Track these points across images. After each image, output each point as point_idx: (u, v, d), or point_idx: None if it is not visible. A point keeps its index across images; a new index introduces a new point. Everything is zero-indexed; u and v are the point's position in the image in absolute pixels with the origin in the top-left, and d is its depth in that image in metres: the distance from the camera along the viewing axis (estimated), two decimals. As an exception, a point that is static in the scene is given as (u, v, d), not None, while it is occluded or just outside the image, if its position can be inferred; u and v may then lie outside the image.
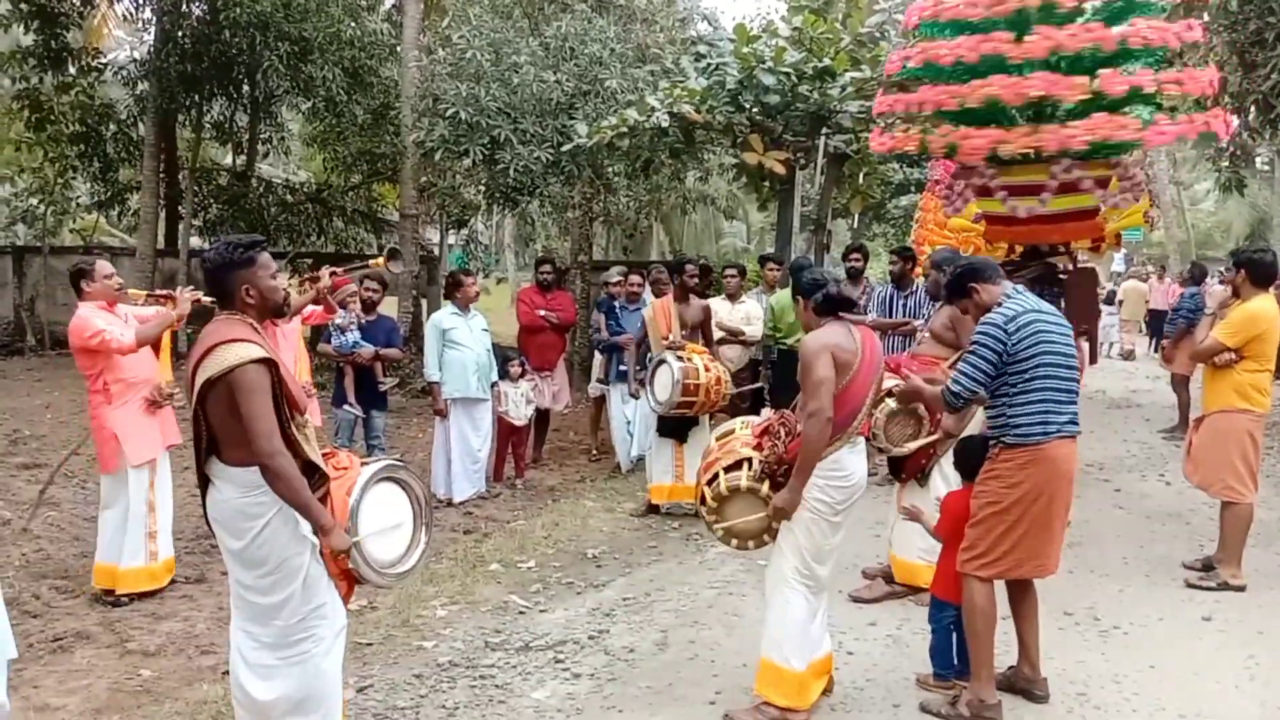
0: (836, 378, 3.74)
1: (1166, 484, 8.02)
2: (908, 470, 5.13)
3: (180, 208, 16.47)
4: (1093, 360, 8.06)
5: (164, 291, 5.55)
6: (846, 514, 3.91)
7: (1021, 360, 3.79)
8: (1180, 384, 10.16)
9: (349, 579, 3.37)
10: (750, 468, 3.92)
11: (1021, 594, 4.08)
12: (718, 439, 4.23)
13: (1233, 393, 5.54)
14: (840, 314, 3.96)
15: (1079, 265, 7.68)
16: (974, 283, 4.02)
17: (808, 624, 3.87)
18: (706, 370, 6.65)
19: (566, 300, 9.53)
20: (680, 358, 6.72)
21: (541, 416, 8.62)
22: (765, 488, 3.87)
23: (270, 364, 3.08)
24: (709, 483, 3.98)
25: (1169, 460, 8.51)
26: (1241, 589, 5.43)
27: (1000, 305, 3.89)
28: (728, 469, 3.95)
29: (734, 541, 4.02)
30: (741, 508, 3.92)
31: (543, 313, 8.82)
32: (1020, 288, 4.01)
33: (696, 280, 7.29)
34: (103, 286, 5.30)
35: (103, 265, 5.41)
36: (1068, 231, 6.98)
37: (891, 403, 4.82)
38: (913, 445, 4.92)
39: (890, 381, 4.93)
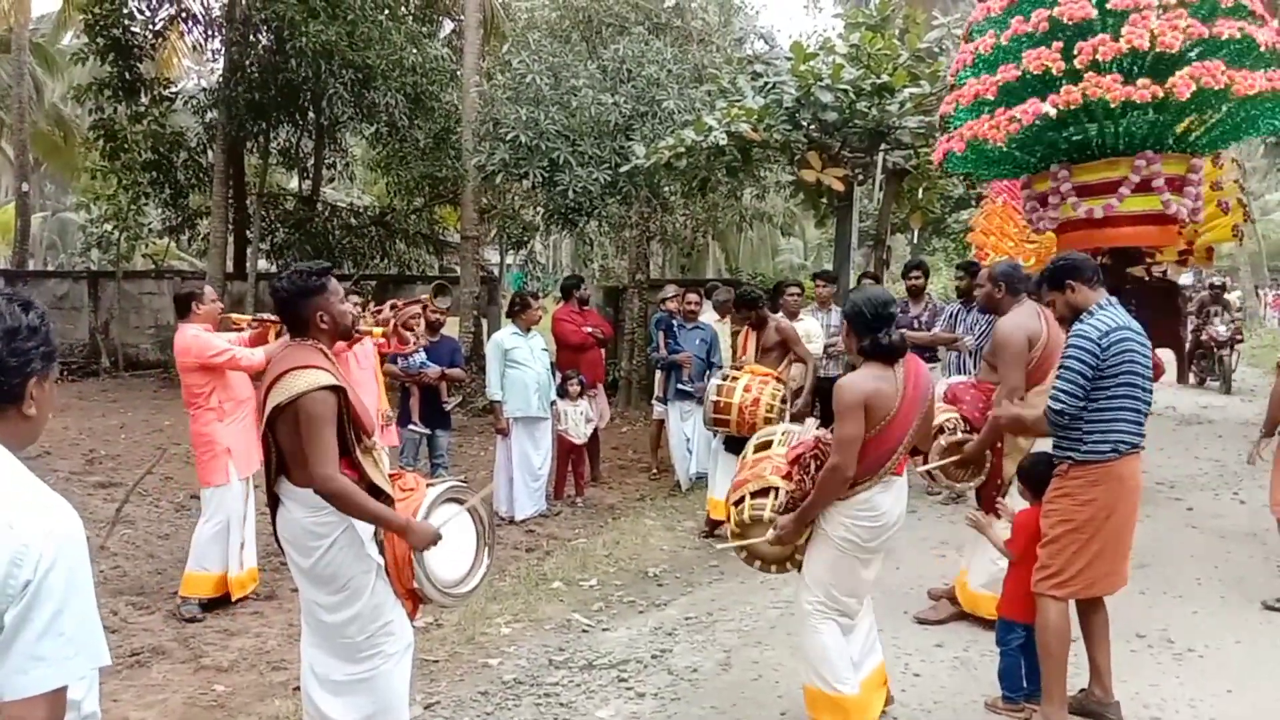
0: (870, 424, 3.60)
1: (1241, 502, 7.81)
2: (984, 505, 5.00)
3: (248, 232, 16.88)
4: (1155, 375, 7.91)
5: (268, 316, 5.72)
6: (881, 548, 3.81)
7: (1107, 378, 3.73)
8: None
9: (413, 598, 3.43)
10: (776, 498, 3.88)
11: (1092, 613, 4.00)
12: (755, 446, 4.20)
13: None
14: (888, 361, 3.74)
15: (1157, 280, 7.50)
16: (1072, 280, 3.91)
17: (844, 647, 3.80)
18: (746, 391, 6.61)
19: (598, 317, 9.65)
20: (724, 377, 6.80)
21: (593, 435, 8.66)
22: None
23: (338, 390, 3.15)
24: (735, 503, 3.97)
25: (1243, 478, 8.29)
26: None
27: (1091, 315, 3.81)
28: (754, 494, 3.93)
29: (757, 563, 4.01)
30: (760, 536, 3.89)
31: (589, 329, 8.89)
32: (1113, 300, 3.89)
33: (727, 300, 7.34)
34: (210, 308, 5.61)
35: (209, 290, 5.73)
36: (1144, 236, 6.78)
37: (942, 439, 4.67)
38: (976, 480, 4.82)
39: (945, 414, 4.80)
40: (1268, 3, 6.45)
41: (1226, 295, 16.62)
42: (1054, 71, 5.95)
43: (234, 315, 5.99)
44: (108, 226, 16.73)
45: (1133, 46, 5.79)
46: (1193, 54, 5.98)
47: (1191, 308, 19.28)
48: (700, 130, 8.98)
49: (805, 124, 9.51)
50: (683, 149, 9.06)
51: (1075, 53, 5.89)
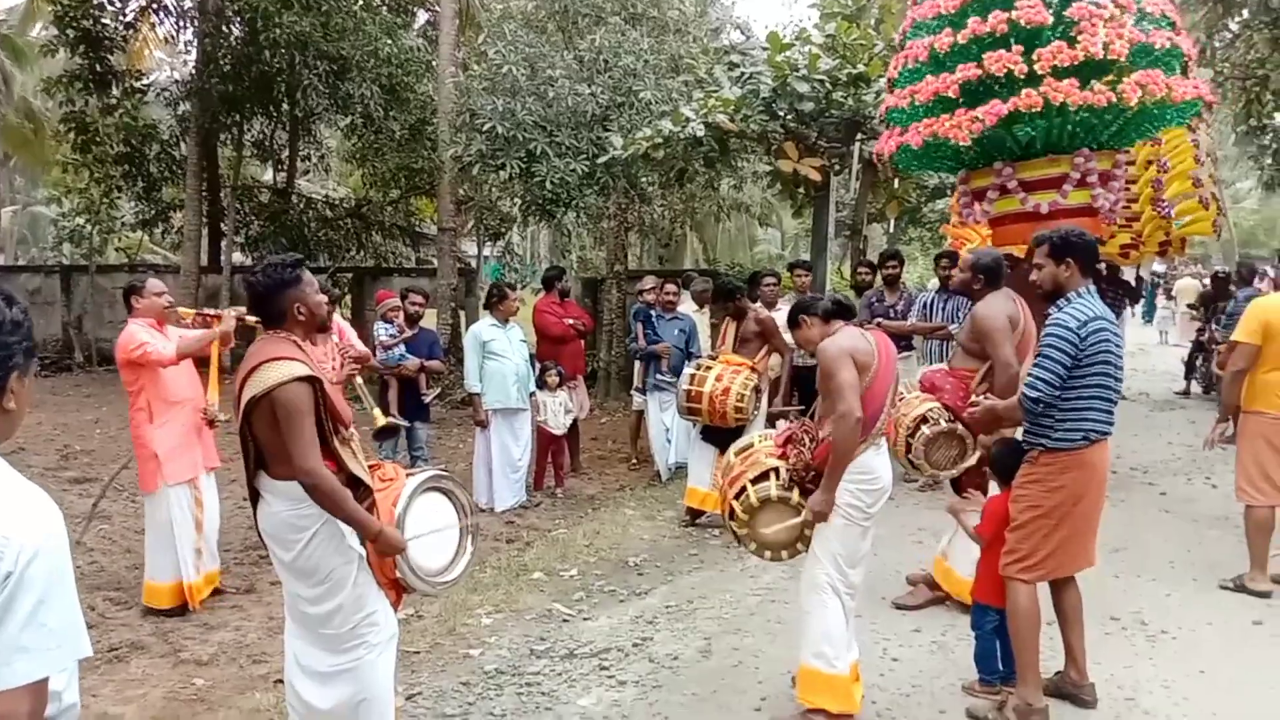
0: (860, 377, 3.79)
1: (1213, 487, 7.92)
2: (966, 486, 5.05)
3: (222, 225, 16.75)
4: None
5: (212, 311, 5.64)
6: (876, 515, 3.94)
7: (1083, 367, 3.76)
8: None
9: (397, 588, 3.44)
10: (778, 477, 3.94)
11: (1064, 596, 4.06)
12: (737, 453, 4.25)
13: (1248, 394, 5.51)
14: (848, 318, 4.04)
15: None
16: (1073, 258, 3.88)
17: (845, 627, 3.90)
18: (718, 380, 6.68)
19: (579, 308, 9.67)
20: (698, 366, 6.90)
21: (573, 425, 8.68)
22: (795, 495, 3.91)
23: (314, 381, 3.14)
24: (737, 496, 3.99)
25: (1214, 463, 8.39)
26: (1264, 595, 5.35)
27: (1069, 303, 3.84)
28: (755, 480, 3.97)
29: (767, 553, 4.04)
30: (771, 518, 3.94)
31: (570, 321, 8.89)
32: (1092, 289, 3.91)
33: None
34: (150, 303, 5.40)
35: (153, 283, 5.51)
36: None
37: (927, 429, 4.74)
38: (961, 467, 4.85)
39: (927, 404, 4.86)
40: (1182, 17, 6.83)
41: (1232, 287, 13.47)
42: (1016, 74, 6.13)
43: (180, 309, 5.70)
44: (80, 220, 16.58)
45: (1088, 54, 5.99)
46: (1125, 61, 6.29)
47: (1193, 300, 19.26)
48: (678, 121, 8.99)
49: (782, 114, 9.53)
50: (660, 140, 9.06)
51: (1035, 58, 6.09)
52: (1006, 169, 6.71)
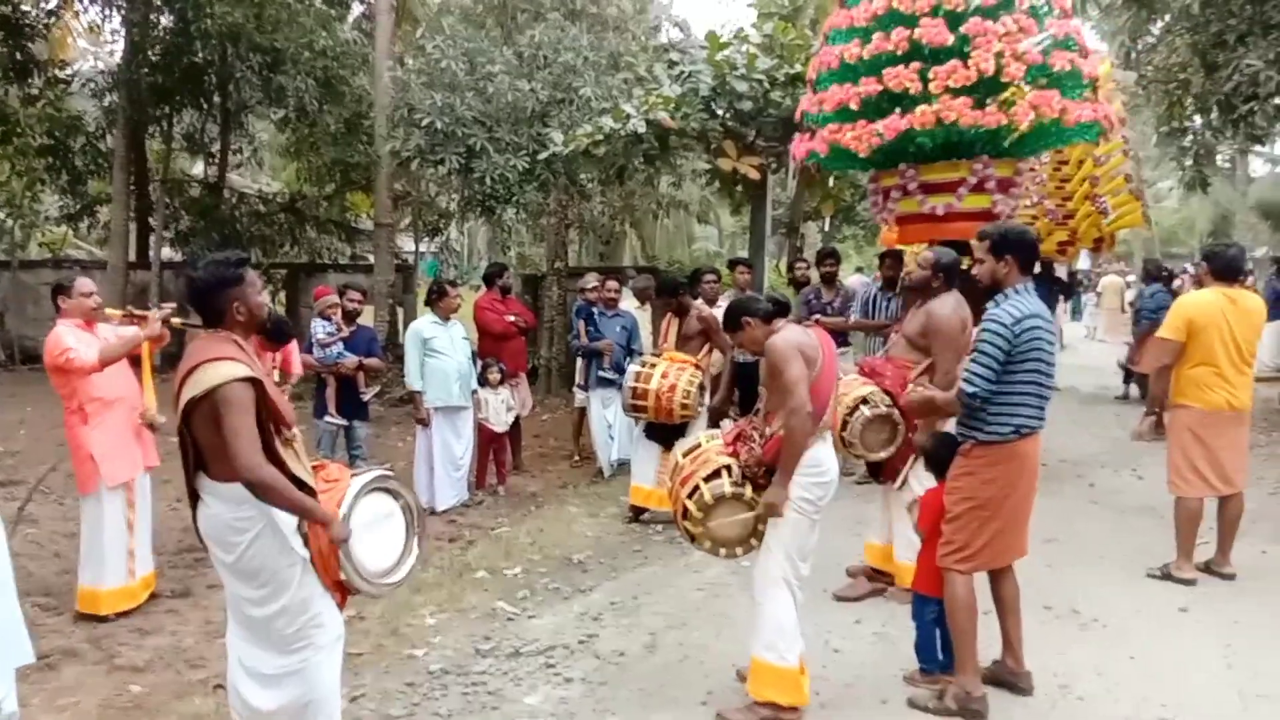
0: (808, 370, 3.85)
1: (1139, 478, 8.16)
2: (886, 474, 5.19)
3: (151, 220, 16.35)
4: None
5: (140, 311, 5.49)
6: (824, 508, 4.00)
7: (1015, 362, 3.85)
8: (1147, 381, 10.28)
9: (342, 589, 3.39)
10: (730, 474, 3.98)
11: (1003, 585, 4.15)
12: (685, 454, 4.27)
13: (1174, 388, 5.68)
14: (786, 315, 4.13)
15: None
16: (1012, 256, 3.95)
17: (796, 620, 3.95)
18: (664, 377, 6.73)
19: (520, 305, 9.63)
20: (642, 364, 6.93)
21: (514, 423, 8.64)
22: (749, 491, 3.94)
23: (254, 382, 3.09)
24: (690, 495, 4.00)
25: (1140, 455, 8.64)
26: (1189, 582, 5.54)
27: (1006, 299, 3.92)
28: (707, 478, 3.99)
29: (722, 551, 4.05)
30: (725, 514, 3.97)
31: (512, 318, 8.85)
32: (1029, 286, 3.99)
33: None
34: (78, 303, 5.25)
35: (82, 282, 5.34)
36: (975, 231, 7.19)
37: (867, 410, 4.88)
38: (886, 451, 4.98)
39: (868, 388, 4.98)
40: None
41: (1176, 283, 12.35)
42: (911, 91, 6.28)
43: (108, 309, 5.53)
44: (0, 214, 16.04)
45: (980, 73, 6.16)
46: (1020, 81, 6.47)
47: (1116, 297, 19.65)
48: (619, 118, 9.00)
49: (721, 112, 9.59)
50: (601, 136, 9.06)
51: (931, 76, 6.26)
52: (910, 170, 6.89)
